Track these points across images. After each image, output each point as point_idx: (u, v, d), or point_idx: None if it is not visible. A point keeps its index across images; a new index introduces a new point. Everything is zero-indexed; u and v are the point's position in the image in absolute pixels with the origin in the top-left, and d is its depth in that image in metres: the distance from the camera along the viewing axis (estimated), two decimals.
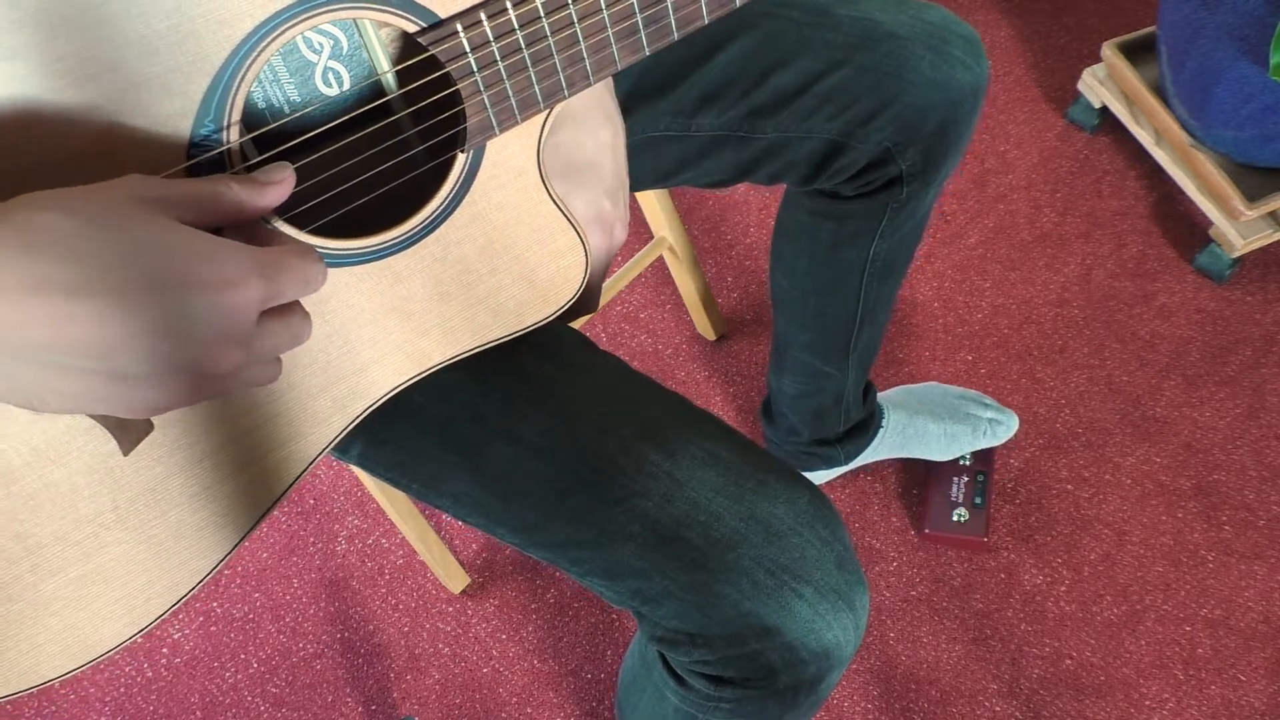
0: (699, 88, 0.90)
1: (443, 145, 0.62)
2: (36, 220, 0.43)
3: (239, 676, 1.36)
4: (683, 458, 0.73)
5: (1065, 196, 1.65)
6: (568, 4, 0.58)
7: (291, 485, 0.65)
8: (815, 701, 0.78)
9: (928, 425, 1.37)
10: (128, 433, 0.56)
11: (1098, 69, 1.64)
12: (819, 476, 1.39)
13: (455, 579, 1.38)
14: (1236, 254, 1.49)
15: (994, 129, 1.73)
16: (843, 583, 0.72)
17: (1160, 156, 1.57)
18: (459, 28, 0.56)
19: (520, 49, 0.58)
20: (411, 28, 0.55)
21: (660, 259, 1.55)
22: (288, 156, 0.54)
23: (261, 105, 0.59)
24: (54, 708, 1.35)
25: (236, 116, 0.53)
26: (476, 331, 0.68)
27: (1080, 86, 1.67)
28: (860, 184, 0.97)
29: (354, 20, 0.59)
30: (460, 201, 0.62)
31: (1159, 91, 1.54)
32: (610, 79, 0.73)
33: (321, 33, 0.59)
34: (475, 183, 0.62)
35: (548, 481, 0.73)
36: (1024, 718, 1.26)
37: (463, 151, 0.60)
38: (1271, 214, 1.48)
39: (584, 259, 0.68)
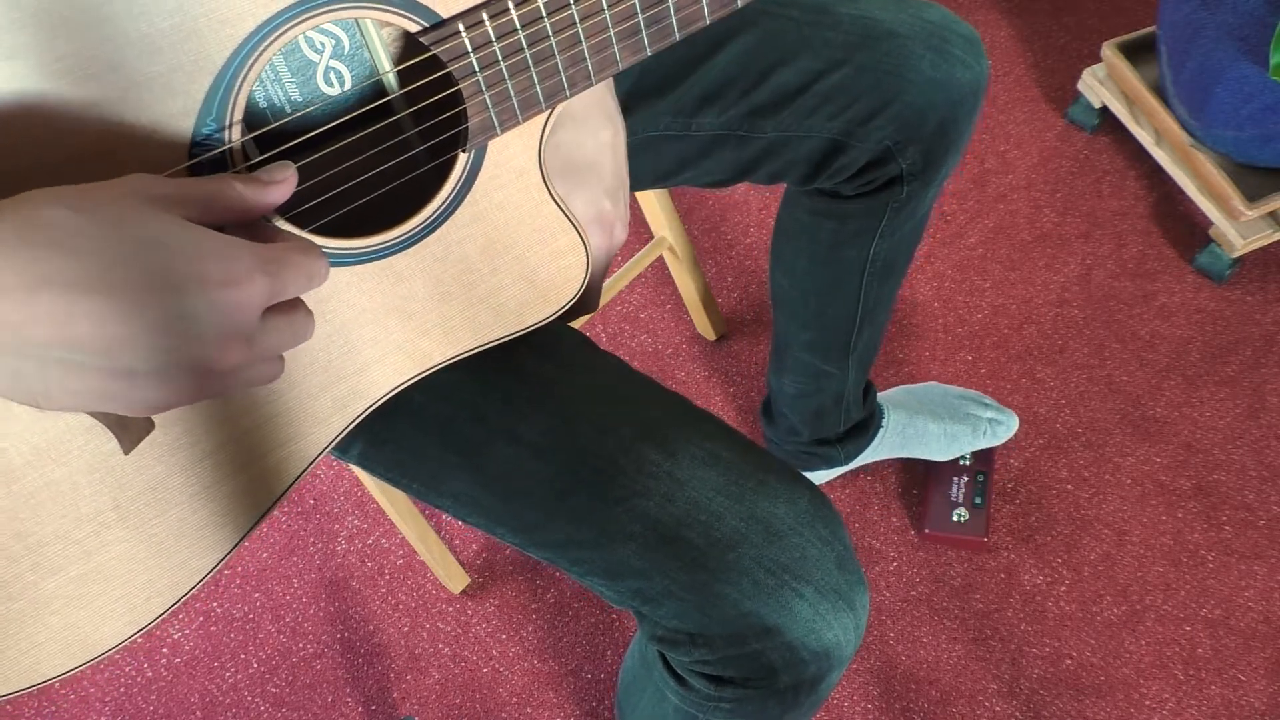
0: (699, 87, 0.90)
1: (444, 145, 0.62)
2: (40, 217, 0.43)
3: (239, 676, 1.36)
4: (683, 457, 0.73)
5: (1065, 196, 1.65)
6: (569, 4, 0.58)
7: (292, 485, 0.65)
8: (815, 701, 0.78)
9: (928, 425, 1.37)
10: (129, 431, 0.56)
11: (1098, 69, 1.64)
12: (819, 476, 1.39)
13: (455, 579, 1.38)
14: (1236, 254, 1.49)
15: (994, 129, 1.73)
16: (843, 582, 0.72)
17: (1160, 156, 1.57)
18: (461, 27, 0.56)
19: (522, 49, 0.58)
20: (413, 27, 0.55)
21: (660, 259, 1.55)
22: (289, 156, 0.54)
23: (263, 105, 0.59)
24: (54, 708, 1.35)
25: (238, 116, 0.53)
26: (477, 331, 0.68)
27: (1080, 86, 1.67)
28: (860, 183, 0.97)
29: (356, 20, 0.59)
30: (461, 201, 0.62)
31: (1159, 91, 1.54)
32: (611, 78, 0.73)
33: (323, 32, 0.59)
34: (477, 182, 0.62)
35: (548, 481, 0.73)
36: (1024, 718, 1.26)
37: (464, 151, 0.60)
38: (1271, 214, 1.48)
39: (585, 259, 0.68)
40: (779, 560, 0.70)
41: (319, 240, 0.58)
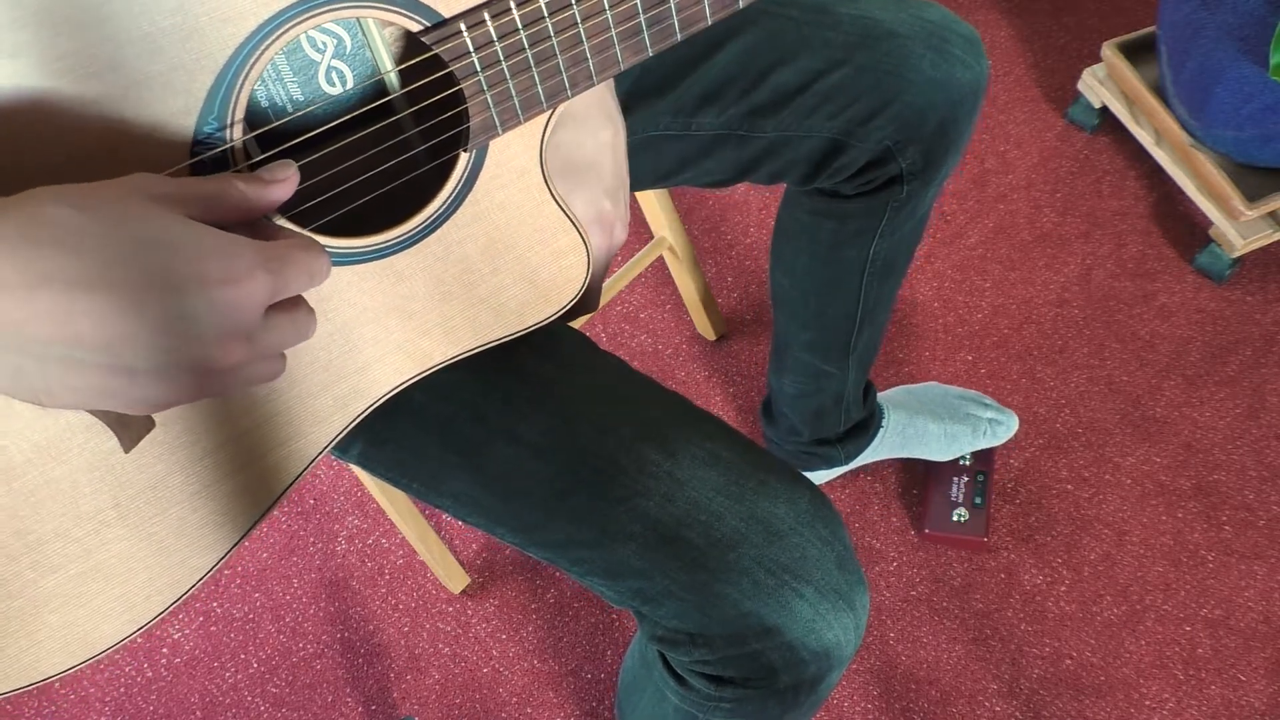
0: (699, 87, 0.90)
1: (445, 145, 0.62)
2: (42, 215, 0.43)
3: (239, 676, 1.36)
4: (683, 457, 0.73)
5: (1065, 196, 1.65)
6: (571, 4, 0.58)
7: (292, 484, 0.65)
8: (815, 701, 0.78)
9: (928, 425, 1.37)
10: (129, 430, 0.56)
11: (1098, 69, 1.64)
12: (819, 476, 1.39)
13: (455, 579, 1.38)
14: (1236, 254, 1.49)
15: (994, 129, 1.73)
16: (843, 582, 0.72)
17: (1160, 156, 1.57)
18: (462, 27, 0.56)
19: (523, 49, 0.58)
20: (415, 27, 0.55)
21: (660, 259, 1.55)
22: (291, 155, 0.54)
23: (265, 104, 0.59)
24: (54, 707, 1.35)
25: (240, 115, 0.53)
26: (478, 331, 0.68)
27: (1080, 86, 1.67)
28: (860, 183, 0.97)
29: (357, 19, 0.59)
30: (462, 201, 0.62)
31: (1159, 91, 1.54)
32: (611, 78, 0.73)
33: (325, 32, 0.59)
34: (478, 182, 0.62)
35: (548, 481, 0.73)
36: (1024, 718, 1.26)
37: (465, 151, 0.60)
38: (1271, 214, 1.48)
39: (586, 259, 0.68)
40: (779, 560, 0.70)
41: (320, 239, 0.58)
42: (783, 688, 0.73)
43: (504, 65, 0.58)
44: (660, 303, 1.60)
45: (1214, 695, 1.25)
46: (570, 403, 0.75)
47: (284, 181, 0.51)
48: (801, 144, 0.93)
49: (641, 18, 0.61)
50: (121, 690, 1.36)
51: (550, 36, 0.58)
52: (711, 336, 1.56)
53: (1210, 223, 1.51)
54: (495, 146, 0.62)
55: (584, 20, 0.59)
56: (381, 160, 0.62)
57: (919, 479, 1.42)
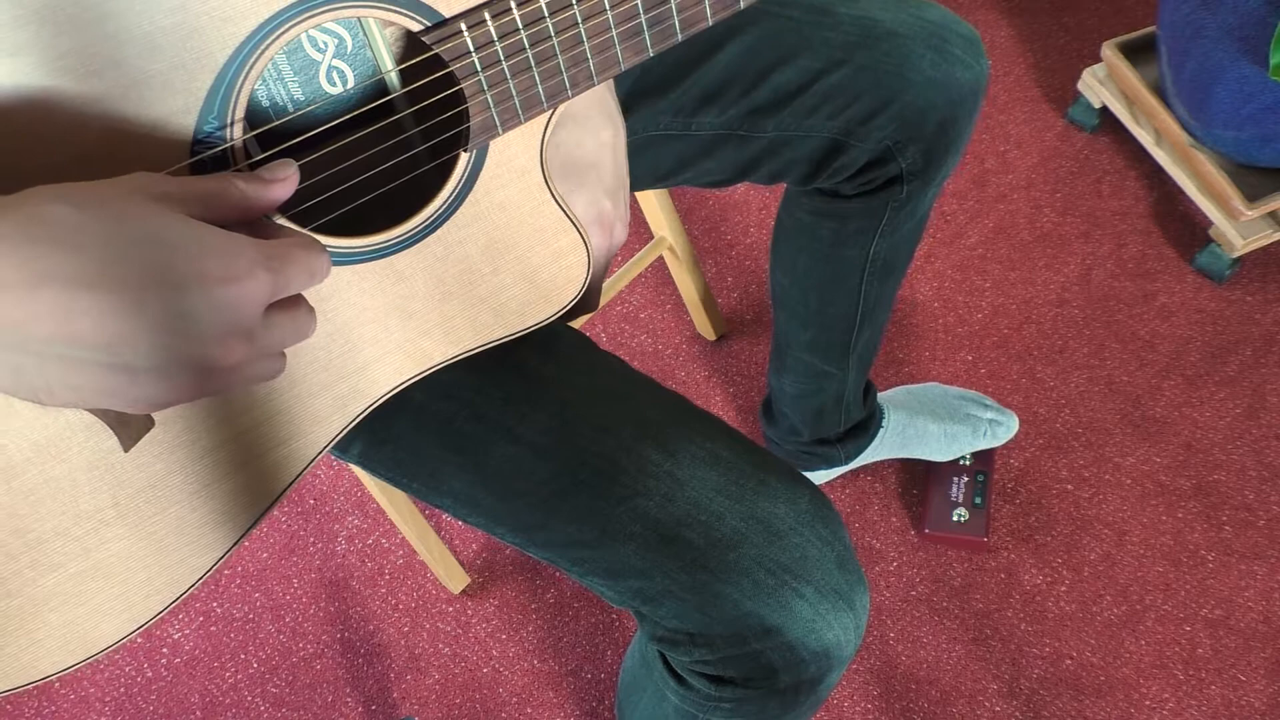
0: (699, 86, 0.90)
1: (446, 144, 0.62)
2: (43, 213, 0.43)
3: (239, 676, 1.36)
4: (683, 457, 0.73)
5: (1065, 196, 1.65)
6: (572, 4, 0.58)
7: (292, 484, 0.65)
8: (815, 701, 0.78)
9: (928, 425, 1.37)
10: (128, 429, 0.56)
11: (1098, 69, 1.64)
12: (819, 476, 1.39)
13: (455, 579, 1.38)
14: (1236, 254, 1.49)
15: (994, 129, 1.73)
16: (843, 582, 0.72)
17: (1160, 156, 1.57)
18: (463, 27, 0.56)
19: (524, 49, 0.58)
20: (415, 26, 0.55)
21: (660, 259, 1.55)
22: (291, 154, 0.54)
23: (266, 103, 0.59)
24: (54, 707, 1.35)
25: (240, 114, 0.53)
26: (478, 331, 0.68)
27: (1080, 86, 1.67)
28: (860, 183, 0.97)
29: (359, 19, 0.59)
30: (463, 201, 0.62)
31: (1159, 91, 1.54)
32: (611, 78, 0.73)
33: (326, 31, 0.59)
34: (478, 182, 0.62)
35: (548, 481, 0.73)
36: (1024, 718, 1.26)
37: (465, 151, 0.60)
38: (1271, 214, 1.48)
39: (586, 259, 0.68)
40: (779, 560, 0.70)
41: (320, 239, 0.58)
42: (783, 688, 0.73)
43: (504, 65, 0.58)
44: (660, 303, 1.60)
45: (1214, 695, 1.25)
46: (570, 402, 0.75)
47: (284, 181, 0.51)
48: (802, 144, 0.93)
49: (642, 18, 0.61)
50: (121, 690, 1.36)
51: (551, 36, 0.58)
52: (711, 336, 1.56)
53: (1210, 223, 1.51)
54: (496, 146, 0.62)
55: (584, 20, 0.59)
56: (382, 160, 0.62)
57: (919, 479, 1.42)
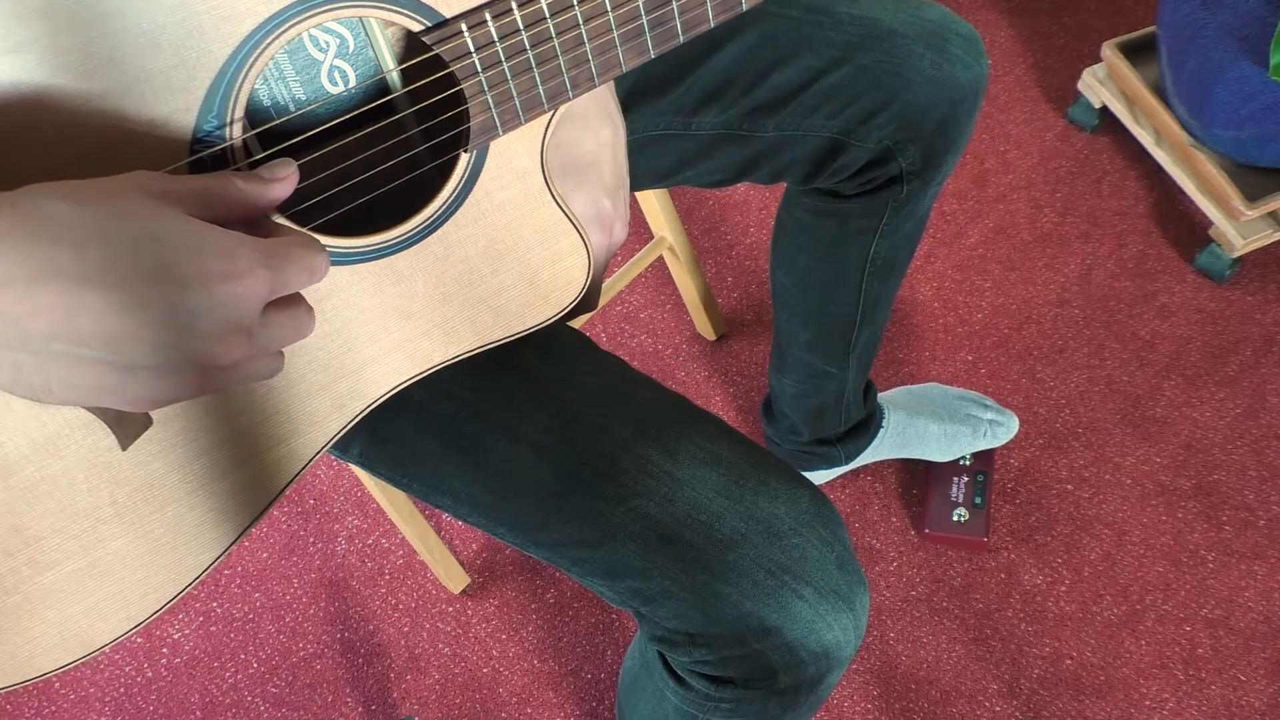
0: (699, 86, 0.90)
1: (446, 145, 0.62)
2: (43, 210, 0.43)
3: (239, 676, 1.36)
4: (683, 457, 0.72)
5: (1065, 196, 1.65)
6: (573, 5, 0.58)
7: (289, 483, 0.64)
8: (815, 701, 0.78)
9: (928, 425, 1.37)
10: (126, 427, 0.56)
11: (1098, 69, 1.64)
12: (819, 476, 1.39)
13: (455, 579, 1.38)
14: (1236, 254, 1.49)
15: (994, 129, 1.73)
16: (843, 583, 0.72)
17: (1160, 156, 1.57)
18: (463, 27, 0.56)
19: (525, 50, 0.58)
20: (416, 27, 0.55)
21: (660, 259, 1.55)
22: (291, 153, 0.54)
23: (267, 103, 0.59)
24: (54, 707, 1.35)
25: (239, 113, 0.53)
26: (478, 332, 0.67)
27: (1080, 86, 1.67)
28: (861, 182, 0.97)
29: (361, 19, 0.59)
30: (463, 201, 0.62)
31: (1159, 91, 1.54)
32: None
33: (328, 31, 0.59)
34: (478, 183, 0.62)
35: (548, 480, 0.73)
36: (1024, 718, 1.26)
37: (466, 151, 0.60)
38: (1271, 214, 1.48)
39: (587, 261, 0.68)
40: (779, 561, 0.70)
41: (320, 238, 0.58)
42: (782, 688, 0.73)
43: (505, 66, 0.58)
44: (660, 303, 1.60)
45: (1214, 695, 1.25)
46: (571, 402, 0.75)
47: (283, 180, 0.51)
48: (802, 143, 0.93)
49: (644, 19, 0.61)
50: (121, 690, 1.36)
51: (552, 37, 0.58)
52: (711, 336, 1.56)
53: (1210, 223, 1.51)
54: (496, 147, 0.62)
55: (586, 21, 0.59)
56: (382, 160, 0.62)
57: (919, 479, 1.42)
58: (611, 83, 0.74)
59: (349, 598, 1.41)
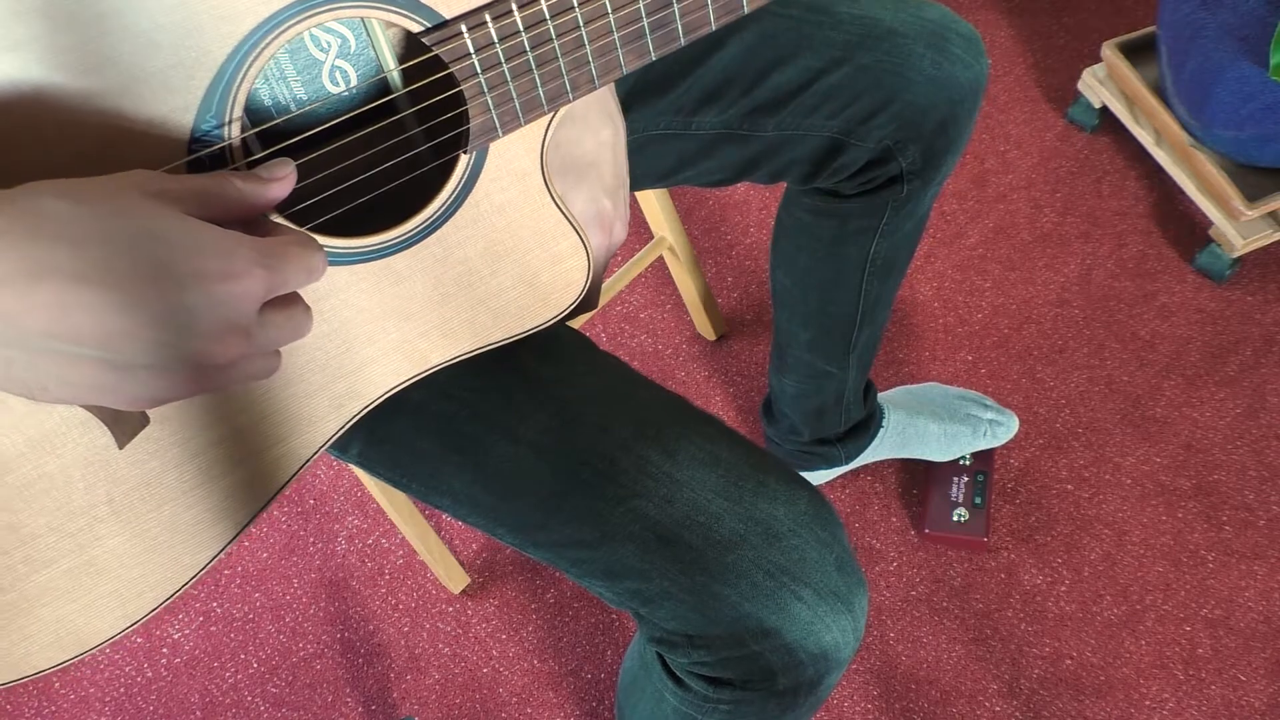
0: (699, 86, 0.90)
1: (446, 145, 0.62)
2: (41, 208, 0.43)
3: (239, 676, 1.36)
4: (683, 458, 0.72)
5: (1065, 196, 1.65)
6: (573, 7, 0.58)
7: (287, 483, 0.64)
8: (815, 703, 0.78)
9: (928, 425, 1.37)
10: (123, 426, 0.56)
11: (1098, 69, 1.64)
12: (820, 476, 1.39)
13: (455, 579, 1.38)
14: (1236, 254, 1.49)
15: (994, 129, 1.73)
16: (842, 585, 0.72)
17: (1160, 156, 1.57)
18: (463, 29, 0.56)
19: (525, 51, 0.58)
20: (415, 27, 0.55)
21: (660, 259, 1.55)
22: (290, 153, 0.54)
23: (268, 103, 0.59)
24: (54, 707, 1.35)
25: (238, 112, 0.53)
26: (477, 333, 0.67)
27: (1080, 86, 1.67)
28: (861, 182, 0.97)
29: (362, 19, 0.59)
30: (462, 203, 0.62)
31: (1159, 91, 1.54)
32: None
33: (329, 31, 0.59)
34: (478, 184, 0.62)
35: (548, 481, 0.73)
36: (1024, 718, 1.26)
37: (465, 153, 0.60)
38: (1271, 214, 1.48)
39: (586, 263, 0.68)
40: (778, 562, 0.70)
41: (318, 238, 0.58)
42: (781, 689, 0.73)
43: (505, 67, 0.58)
44: (660, 303, 1.60)
45: (1214, 695, 1.25)
46: (570, 403, 0.75)
47: (281, 180, 0.51)
48: (802, 143, 0.93)
49: (645, 21, 0.61)
50: (121, 690, 1.36)
51: (552, 39, 0.58)
52: (711, 336, 1.55)
53: (1210, 223, 1.51)
54: (496, 148, 0.62)
55: (586, 24, 0.59)
56: (381, 160, 0.62)
57: (919, 479, 1.42)
58: (612, 83, 0.74)
59: (349, 598, 1.41)
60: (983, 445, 1.38)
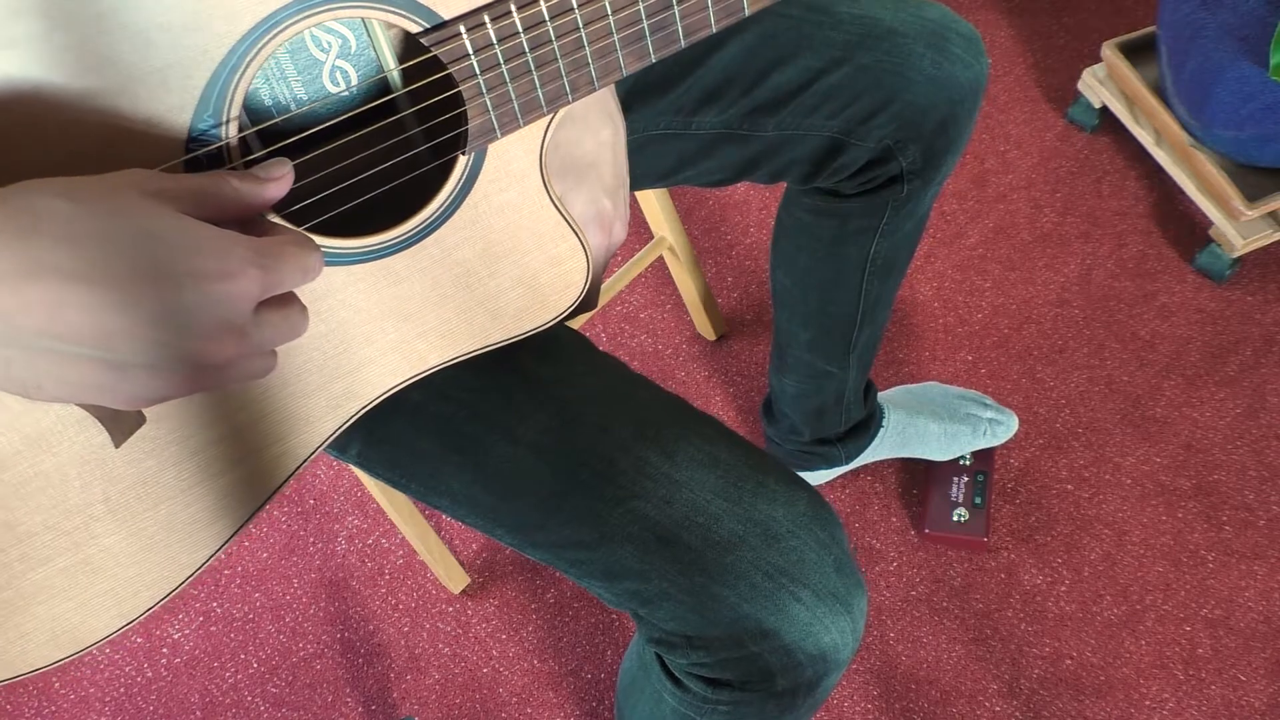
0: (699, 86, 0.90)
1: (445, 146, 0.62)
2: (36, 206, 0.43)
3: (239, 676, 1.36)
4: (682, 459, 0.72)
5: (1065, 196, 1.65)
6: (573, 8, 0.57)
7: (284, 483, 0.64)
8: (813, 704, 0.78)
9: (928, 425, 1.37)
10: (120, 424, 0.56)
11: (1098, 69, 1.64)
12: (820, 476, 1.39)
13: (455, 579, 1.38)
14: (1236, 254, 1.49)
15: (994, 129, 1.73)
16: (841, 586, 0.72)
17: (1160, 156, 1.57)
18: (462, 29, 0.56)
19: (524, 52, 0.58)
20: (414, 28, 0.55)
21: (660, 259, 1.55)
22: (288, 153, 0.54)
23: (268, 102, 0.59)
24: (54, 707, 1.35)
25: (235, 112, 0.53)
26: (475, 335, 0.67)
27: (1080, 86, 1.67)
28: (861, 182, 0.97)
29: (363, 20, 0.59)
30: (461, 204, 0.62)
31: (1159, 91, 1.54)
32: None
33: (330, 31, 0.59)
34: (476, 185, 0.62)
35: (547, 481, 0.73)
36: (1024, 718, 1.26)
37: (463, 154, 0.60)
38: (1271, 214, 1.48)
39: (585, 265, 0.68)
40: (776, 563, 0.70)
41: (316, 238, 0.58)
42: (780, 691, 0.73)
43: (504, 68, 0.58)
44: (660, 303, 1.60)
45: (1214, 695, 1.25)
46: (569, 403, 0.75)
47: (278, 180, 0.51)
48: (802, 143, 0.93)
49: (645, 23, 0.60)
50: (121, 690, 1.36)
51: (551, 40, 0.58)
52: (711, 336, 1.55)
53: (1210, 223, 1.51)
54: (495, 149, 0.62)
55: (586, 25, 0.59)
56: (379, 160, 0.62)
57: (919, 479, 1.42)
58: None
59: (349, 598, 1.41)
60: (983, 445, 1.38)
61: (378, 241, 0.60)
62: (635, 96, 0.90)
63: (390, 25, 0.59)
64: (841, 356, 1.19)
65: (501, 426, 0.74)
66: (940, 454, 1.38)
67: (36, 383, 0.44)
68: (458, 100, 0.59)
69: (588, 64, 0.60)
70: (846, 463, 1.36)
